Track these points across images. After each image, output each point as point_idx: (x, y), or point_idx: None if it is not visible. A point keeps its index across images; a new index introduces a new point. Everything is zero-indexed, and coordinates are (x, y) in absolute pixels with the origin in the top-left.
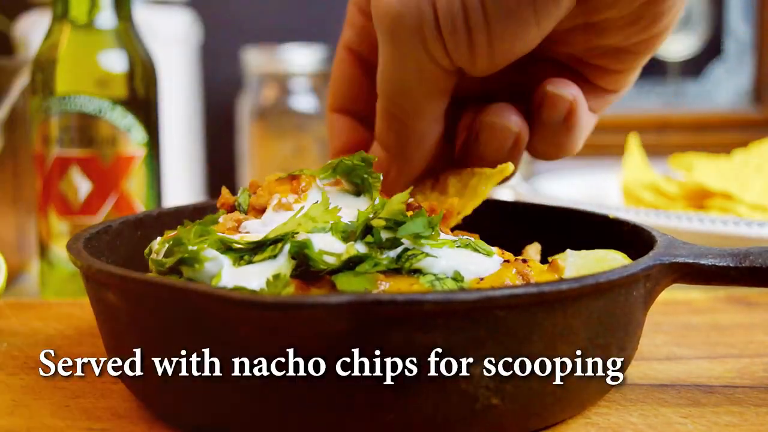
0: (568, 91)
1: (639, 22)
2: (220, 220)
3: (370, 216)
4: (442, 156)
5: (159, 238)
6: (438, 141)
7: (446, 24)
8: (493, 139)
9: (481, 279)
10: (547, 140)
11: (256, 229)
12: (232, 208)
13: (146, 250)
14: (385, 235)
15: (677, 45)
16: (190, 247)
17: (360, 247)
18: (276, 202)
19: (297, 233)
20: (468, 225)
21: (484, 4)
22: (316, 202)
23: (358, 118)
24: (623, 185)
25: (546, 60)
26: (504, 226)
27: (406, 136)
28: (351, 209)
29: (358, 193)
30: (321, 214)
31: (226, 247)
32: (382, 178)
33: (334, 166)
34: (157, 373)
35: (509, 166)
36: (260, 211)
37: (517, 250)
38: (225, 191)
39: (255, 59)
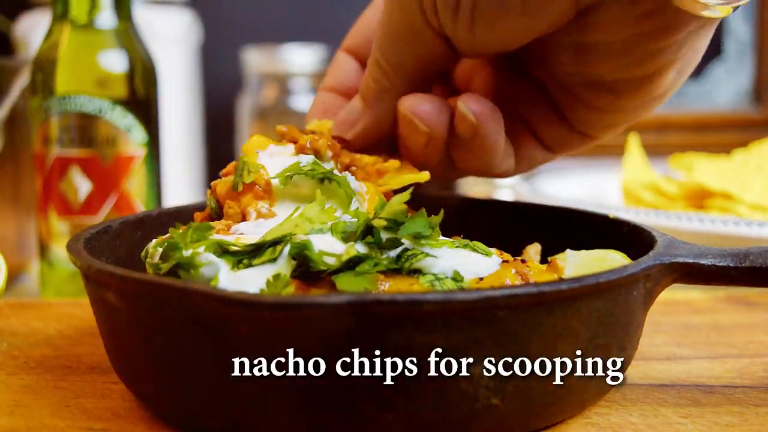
0: (472, 108)
1: (627, 54)
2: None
3: (371, 216)
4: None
5: (153, 241)
6: None
7: None
8: (405, 130)
9: (481, 279)
10: (460, 155)
11: (249, 230)
12: (209, 219)
13: (143, 253)
14: (385, 235)
15: None
16: (185, 252)
17: (360, 248)
18: (255, 215)
19: (295, 235)
20: (469, 225)
21: None
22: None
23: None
24: (623, 185)
25: (528, 77)
26: (504, 226)
27: (383, 88)
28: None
29: (321, 180)
30: (317, 215)
31: (223, 251)
32: (344, 127)
33: (287, 173)
34: (157, 373)
35: (424, 175)
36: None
37: (517, 250)
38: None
39: (255, 59)
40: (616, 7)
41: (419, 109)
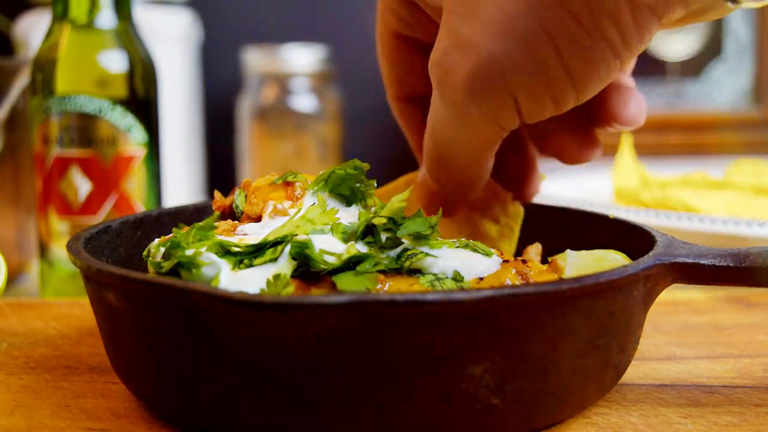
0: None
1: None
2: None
3: (371, 216)
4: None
5: (156, 241)
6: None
7: (525, 84)
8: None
9: (481, 279)
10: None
11: (254, 232)
12: (227, 210)
13: (144, 252)
14: (385, 235)
15: (677, 45)
16: (187, 251)
17: (360, 247)
18: (272, 209)
19: (296, 235)
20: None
21: (561, 58)
22: (313, 204)
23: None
24: (615, 187)
25: None
26: None
27: (459, 179)
28: (343, 216)
29: (349, 202)
30: (319, 217)
31: (225, 251)
32: (426, 200)
33: (325, 177)
34: (157, 373)
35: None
36: (255, 219)
37: (517, 250)
38: (218, 194)
39: (255, 59)
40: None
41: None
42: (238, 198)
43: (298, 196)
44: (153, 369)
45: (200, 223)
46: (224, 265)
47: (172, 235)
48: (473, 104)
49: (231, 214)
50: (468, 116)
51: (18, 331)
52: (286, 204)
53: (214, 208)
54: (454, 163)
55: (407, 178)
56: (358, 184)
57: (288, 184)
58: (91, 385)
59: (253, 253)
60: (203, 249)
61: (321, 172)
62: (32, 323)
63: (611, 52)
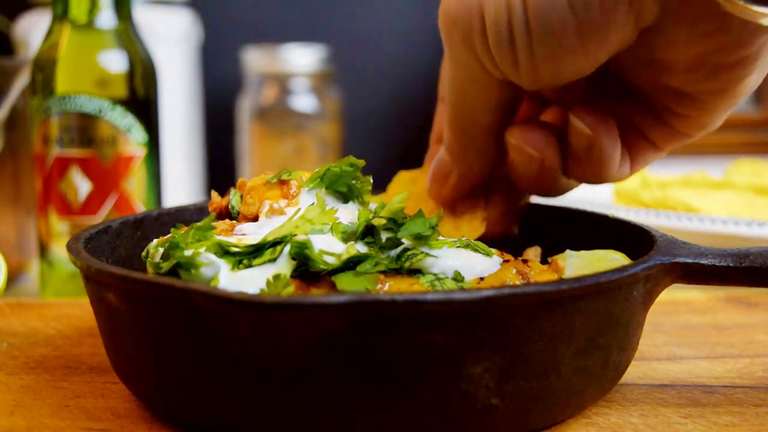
0: (585, 123)
1: (699, 69)
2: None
3: (371, 216)
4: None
5: (155, 241)
6: (498, 150)
7: (492, 34)
8: (518, 162)
9: (481, 279)
10: (576, 167)
11: (252, 231)
12: (224, 211)
13: (143, 253)
14: (385, 235)
15: None
16: (186, 252)
17: (360, 248)
18: (268, 209)
19: (295, 235)
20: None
21: (528, 23)
22: (312, 203)
23: None
24: (615, 187)
25: (618, 82)
26: None
27: (465, 141)
28: (342, 214)
29: (346, 199)
30: (318, 216)
31: (224, 251)
32: (439, 182)
33: (321, 175)
34: (157, 373)
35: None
36: (251, 219)
37: (517, 250)
38: (215, 195)
39: (255, 59)
40: (677, 28)
41: (527, 136)
42: (233, 198)
43: (294, 194)
44: (153, 369)
45: (198, 224)
46: (223, 266)
47: (170, 235)
48: (458, 43)
49: (228, 214)
50: (458, 57)
51: (18, 331)
52: (282, 203)
53: (210, 209)
54: (462, 120)
55: (411, 176)
56: (354, 181)
57: (283, 182)
58: (91, 385)
59: (252, 254)
60: (202, 249)
61: (316, 170)
62: (32, 323)
63: None
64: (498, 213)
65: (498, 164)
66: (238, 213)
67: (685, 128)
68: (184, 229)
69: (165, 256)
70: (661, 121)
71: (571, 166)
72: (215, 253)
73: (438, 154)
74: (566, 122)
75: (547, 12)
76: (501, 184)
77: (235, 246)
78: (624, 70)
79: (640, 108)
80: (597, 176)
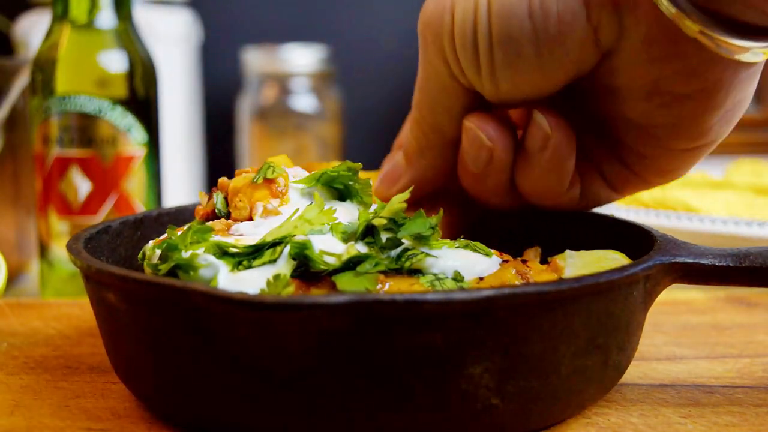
0: (547, 122)
1: (654, 98)
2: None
3: (371, 216)
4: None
5: (151, 243)
6: (454, 164)
7: (458, 36)
8: (468, 145)
9: (481, 279)
10: (526, 171)
11: (249, 231)
12: (210, 217)
13: (140, 255)
14: (385, 235)
15: None
16: (184, 253)
17: (360, 248)
18: (262, 210)
19: (295, 236)
20: (469, 224)
21: (490, 27)
22: (311, 203)
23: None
24: None
25: (583, 114)
26: (504, 226)
27: (423, 146)
28: (340, 213)
29: (342, 197)
30: (317, 216)
31: (223, 252)
32: (387, 183)
33: (317, 177)
34: (157, 373)
35: None
36: (243, 221)
37: (517, 250)
38: (202, 197)
39: (255, 59)
40: (632, 50)
41: (484, 123)
42: (217, 201)
43: (283, 192)
44: (153, 369)
45: (196, 225)
46: (222, 267)
47: (166, 236)
48: (430, 43)
49: (215, 217)
50: (428, 57)
51: (18, 331)
52: (274, 203)
53: (197, 216)
54: (422, 121)
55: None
56: (351, 182)
57: (269, 181)
58: (91, 385)
59: (252, 254)
60: (201, 250)
61: (312, 173)
62: (32, 323)
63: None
64: (443, 223)
65: (451, 180)
66: (227, 214)
67: (642, 171)
68: (179, 229)
69: (163, 258)
70: (619, 160)
71: (521, 171)
72: (214, 254)
73: (394, 157)
74: (526, 126)
75: (508, 17)
76: (450, 199)
77: (234, 247)
78: (585, 99)
79: (600, 143)
80: (544, 185)
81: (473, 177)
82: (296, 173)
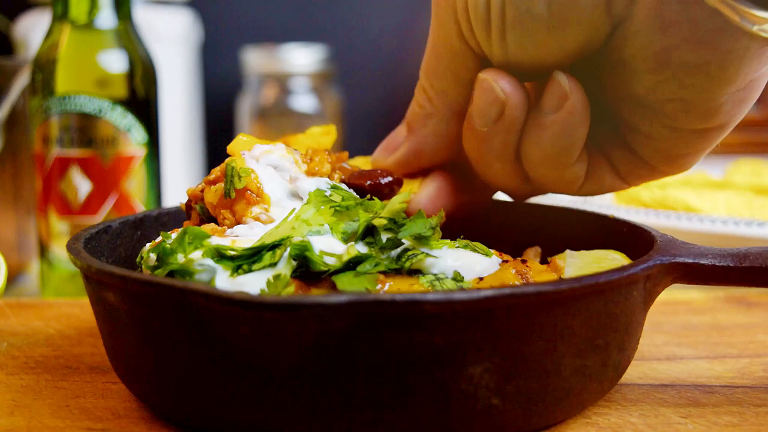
0: (567, 84)
1: (662, 70)
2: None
3: (371, 217)
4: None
5: (147, 246)
6: (455, 140)
7: (472, 6)
8: (480, 98)
9: (481, 279)
10: (538, 134)
11: (244, 233)
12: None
13: (137, 258)
14: (385, 235)
15: None
16: (179, 257)
17: (360, 248)
18: (251, 219)
19: (293, 237)
20: (469, 224)
21: (503, 5)
22: (304, 203)
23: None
24: None
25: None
26: (504, 226)
27: (427, 113)
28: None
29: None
30: (314, 217)
31: (221, 255)
32: (386, 151)
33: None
34: (157, 373)
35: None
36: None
37: (517, 250)
38: (183, 205)
39: (255, 59)
40: (643, 15)
41: (500, 76)
42: (197, 208)
43: (258, 196)
44: (153, 369)
45: (193, 228)
46: (220, 271)
47: (160, 239)
48: (443, 8)
49: (201, 222)
50: (440, 21)
51: (18, 331)
52: (256, 210)
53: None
54: (429, 88)
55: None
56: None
57: (239, 192)
58: (91, 385)
59: (251, 257)
60: (198, 254)
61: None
62: (32, 323)
63: None
64: (434, 189)
65: (451, 155)
66: (207, 219)
67: (649, 155)
68: (174, 231)
69: (159, 262)
70: (625, 143)
71: (531, 136)
72: (212, 257)
73: (396, 129)
74: (540, 90)
75: None
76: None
77: (232, 249)
78: (592, 79)
79: (607, 127)
80: (553, 153)
81: (479, 138)
82: (259, 151)
